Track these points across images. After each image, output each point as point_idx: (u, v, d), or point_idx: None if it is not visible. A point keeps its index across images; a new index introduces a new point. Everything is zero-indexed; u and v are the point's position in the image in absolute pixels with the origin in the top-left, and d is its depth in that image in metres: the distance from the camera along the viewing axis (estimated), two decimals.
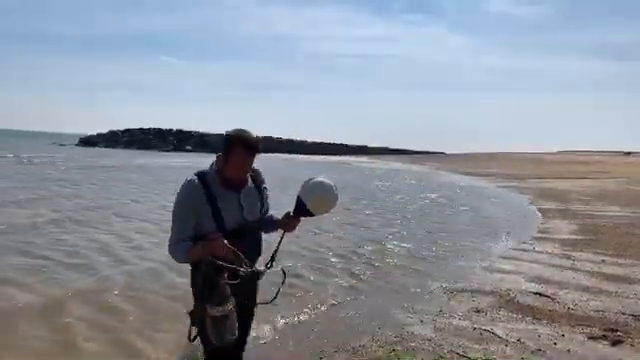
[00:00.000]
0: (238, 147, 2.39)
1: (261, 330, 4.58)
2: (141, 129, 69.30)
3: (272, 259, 2.60)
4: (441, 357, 3.97)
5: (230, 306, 2.29)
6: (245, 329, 2.68)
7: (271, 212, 2.70)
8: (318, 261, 7.37)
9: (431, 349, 4.11)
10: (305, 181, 2.61)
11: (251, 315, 2.74)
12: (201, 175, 2.43)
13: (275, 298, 2.63)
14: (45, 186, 16.05)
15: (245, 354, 2.81)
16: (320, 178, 2.61)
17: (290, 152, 72.47)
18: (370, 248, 8.43)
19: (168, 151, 58.63)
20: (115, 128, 69.70)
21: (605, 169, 38.65)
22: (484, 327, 4.61)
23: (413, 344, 4.22)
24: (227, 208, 2.43)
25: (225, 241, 2.31)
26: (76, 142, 67.65)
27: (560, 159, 63.13)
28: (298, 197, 2.55)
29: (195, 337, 2.41)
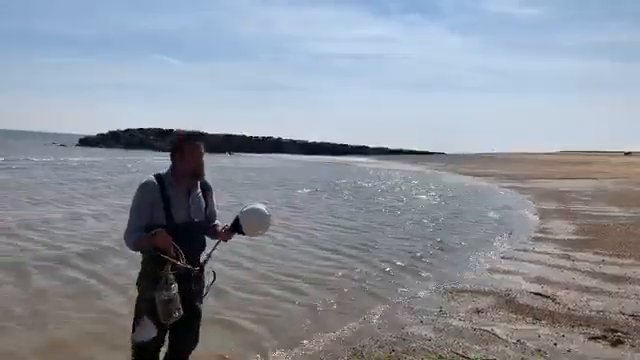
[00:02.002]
0: (186, 143, 2.78)
1: (259, 332, 4.58)
2: (141, 129, 69.30)
3: (205, 262, 2.89)
4: (441, 357, 3.96)
5: (174, 291, 2.60)
6: (197, 314, 2.92)
7: (217, 222, 3.03)
8: (316, 260, 7.38)
9: (431, 349, 4.11)
10: (245, 206, 2.97)
11: (199, 303, 2.96)
12: (158, 176, 2.77)
13: (205, 295, 2.93)
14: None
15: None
16: (258, 205, 2.97)
17: (291, 152, 72.39)
18: (370, 248, 8.43)
19: (168, 151, 58.41)
20: (115, 128, 69.74)
21: (605, 169, 38.63)
22: (484, 328, 4.61)
23: (413, 345, 4.21)
24: (177, 206, 2.74)
25: (169, 237, 2.60)
26: (76, 142, 67.61)
27: (560, 159, 63.13)
28: (237, 217, 2.90)
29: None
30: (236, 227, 2.88)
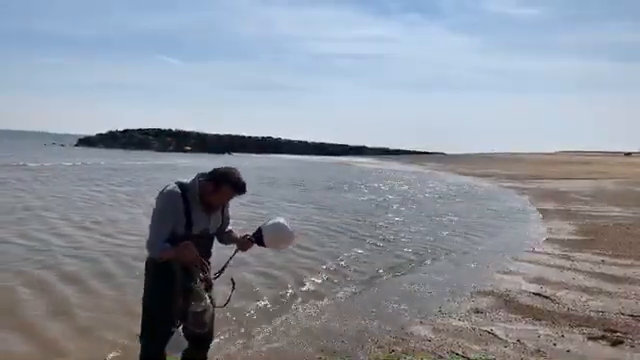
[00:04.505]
0: (230, 188, 2.75)
1: (259, 332, 4.58)
2: (140, 129, 69.21)
3: (221, 270, 2.92)
4: (440, 357, 3.96)
5: (208, 300, 2.67)
6: (212, 328, 2.96)
7: (230, 227, 3.06)
8: (316, 259, 7.37)
9: (430, 350, 4.11)
10: (270, 219, 3.00)
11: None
12: (182, 188, 2.73)
13: (227, 303, 2.93)
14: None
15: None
16: (282, 220, 2.99)
17: (290, 153, 72.35)
18: (368, 247, 8.43)
19: (167, 152, 58.40)
20: (114, 128, 69.64)
21: (605, 169, 38.63)
22: (484, 328, 4.61)
23: (412, 345, 4.21)
24: (197, 222, 2.76)
25: (195, 249, 2.64)
26: (75, 142, 67.51)
27: (560, 159, 63.13)
28: (260, 229, 2.93)
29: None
30: (258, 239, 2.92)
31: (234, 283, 2.94)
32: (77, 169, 25.80)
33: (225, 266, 2.91)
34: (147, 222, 2.77)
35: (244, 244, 2.95)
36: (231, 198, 2.82)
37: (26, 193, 14.13)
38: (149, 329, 2.78)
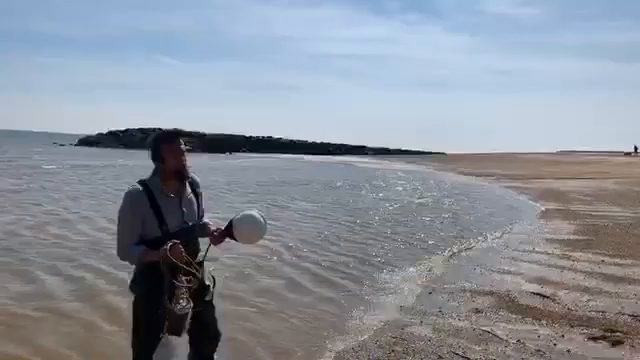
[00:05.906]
0: (162, 143, 2.65)
1: (259, 332, 4.59)
2: (141, 129, 69.27)
3: (201, 263, 2.75)
4: (441, 358, 3.97)
5: (189, 305, 2.52)
6: (214, 323, 2.89)
7: (205, 219, 2.92)
8: (319, 261, 7.37)
9: (431, 350, 4.11)
10: (240, 211, 2.85)
11: (212, 308, 2.91)
12: (143, 183, 2.63)
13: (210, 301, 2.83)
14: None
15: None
16: (253, 212, 2.83)
17: (290, 152, 72.34)
18: (366, 245, 8.43)
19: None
20: (114, 128, 69.77)
21: (605, 169, 38.57)
22: (484, 328, 4.61)
23: (413, 345, 4.22)
24: (170, 213, 2.63)
25: (182, 249, 2.51)
26: (75, 142, 67.65)
27: (560, 159, 63.09)
28: (230, 222, 2.77)
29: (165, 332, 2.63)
30: (229, 232, 2.77)
31: (214, 280, 2.83)
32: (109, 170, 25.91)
33: (202, 263, 2.74)
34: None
35: (216, 238, 2.79)
36: (178, 150, 2.64)
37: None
38: (142, 334, 2.68)
